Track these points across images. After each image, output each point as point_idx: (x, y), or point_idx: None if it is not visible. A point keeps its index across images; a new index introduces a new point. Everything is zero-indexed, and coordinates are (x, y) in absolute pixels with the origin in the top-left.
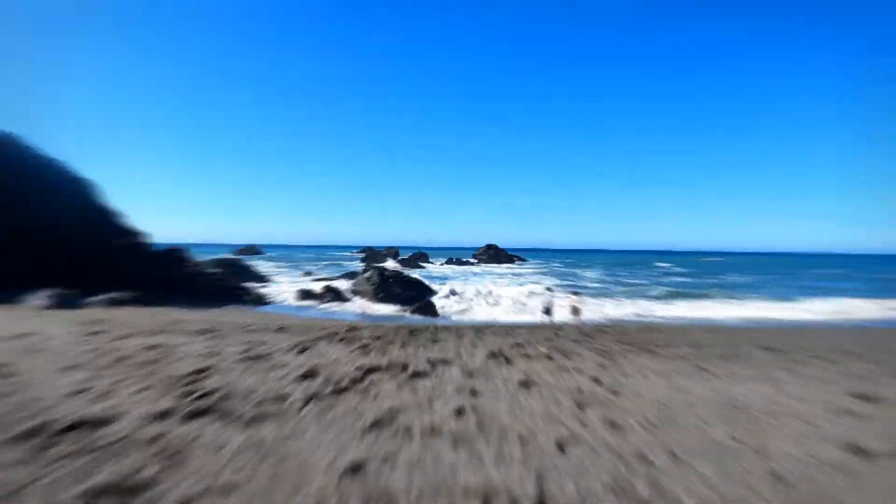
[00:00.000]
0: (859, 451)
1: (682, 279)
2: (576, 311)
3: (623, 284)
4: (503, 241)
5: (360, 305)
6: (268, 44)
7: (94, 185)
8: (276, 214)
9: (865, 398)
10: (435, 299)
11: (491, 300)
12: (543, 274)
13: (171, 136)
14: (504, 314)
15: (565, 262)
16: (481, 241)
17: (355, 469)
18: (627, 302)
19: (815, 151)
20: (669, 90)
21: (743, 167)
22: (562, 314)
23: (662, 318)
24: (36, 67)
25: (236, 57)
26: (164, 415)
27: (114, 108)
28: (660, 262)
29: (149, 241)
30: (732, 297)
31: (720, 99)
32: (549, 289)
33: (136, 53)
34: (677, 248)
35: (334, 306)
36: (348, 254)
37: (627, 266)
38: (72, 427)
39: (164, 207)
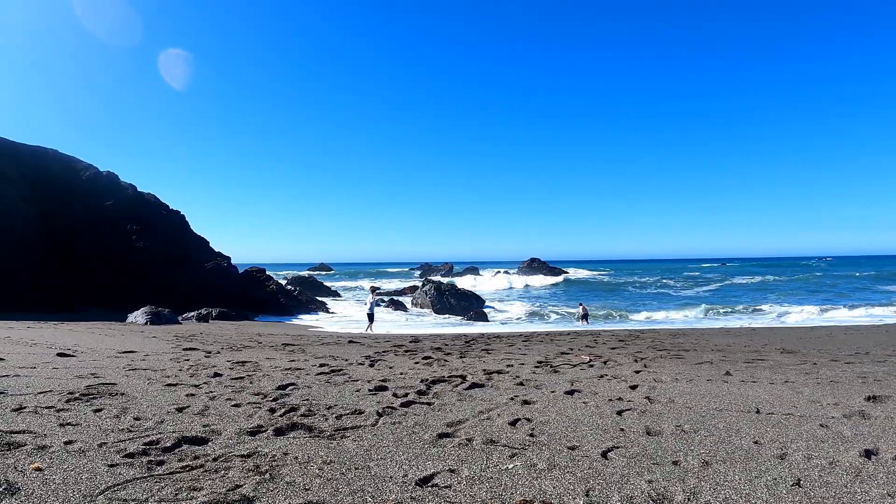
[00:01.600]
0: (870, 453)
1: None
2: (584, 316)
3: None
4: (549, 254)
5: (420, 316)
6: (320, 66)
7: (180, 216)
8: (343, 234)
9: (876, 399)
10: (485, 309)
11: (530, 307)
12: (577, 284)
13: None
14: (545, 321)
15: (605, 271)
16: (527, 255)
17: (426, 481)
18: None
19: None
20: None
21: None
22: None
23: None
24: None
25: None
26: (255, 431)
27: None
28: (691, 269)
29: (231, 262)
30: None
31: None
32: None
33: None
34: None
35: (398, 318)
36: (408, 269)
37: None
38: (176, 445)
39: (241, 231)
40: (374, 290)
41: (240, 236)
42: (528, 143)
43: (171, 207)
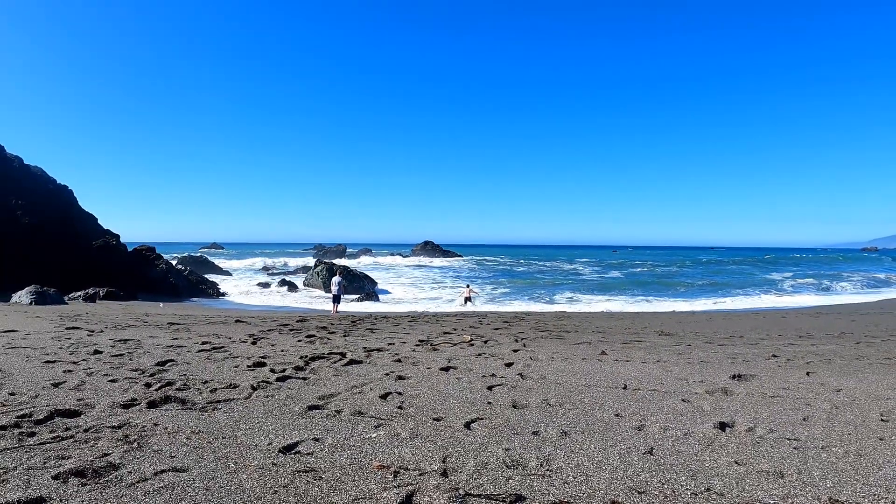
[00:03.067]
0: (725, 425)
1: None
2: (468, 299)
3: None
4: (443, 238)
5: (311, 297)
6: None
7: (69, 191)
8: (236, 214)
9: (741, 377)
10: (377, 290)
11: (421, 289)
12: (469, 268)
13: (131, 141)
14: (436, 303)
15: (498, 257)
16: (421, 238)
17: (289, 448)
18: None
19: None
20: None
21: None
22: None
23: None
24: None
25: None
26: (129, 404)
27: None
28: (581, 257)
29: (120, 241)
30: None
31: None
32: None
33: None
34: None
35: (288, 298)
36: (301, 250)
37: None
38: (49, 418)
39: (131, 209)
40: (340, 271)
41: (128, 213)
42: (424, 129)
43: (58, 182)
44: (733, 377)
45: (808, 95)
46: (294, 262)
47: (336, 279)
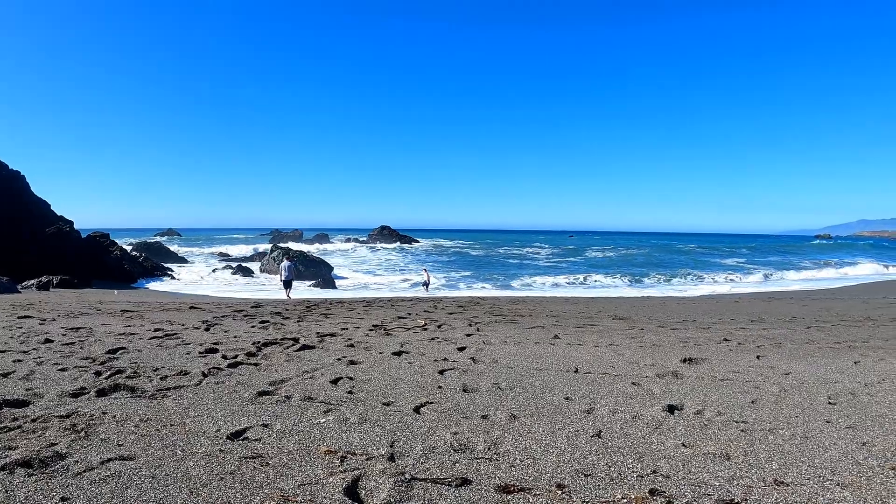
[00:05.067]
0: (673, 408)
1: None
2: (425, 283)
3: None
4: (400, 222)
5: (267, 283)
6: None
7: (20, 177)
8: (192, 200)
9: (691, 361)
10: (333, 275)
11: (377, 274)
12: (426, 253)
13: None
14: (392, 287)
15: (455, 241)
16: (378, 223)
17: (237, 435)
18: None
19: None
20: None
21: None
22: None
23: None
24: None
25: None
26: (78, 393)
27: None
28: (538, 242)
29: (74, 227)
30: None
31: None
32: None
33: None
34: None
35: (244, 284)
36: (258, 235)
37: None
38: None
39: (84, 195)
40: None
41: (81, 199)
42: (382, 116)
43: (10, 168)
44: (684, 361)
45: (769, 86)
46: (250, 248)
47: (285, 263)
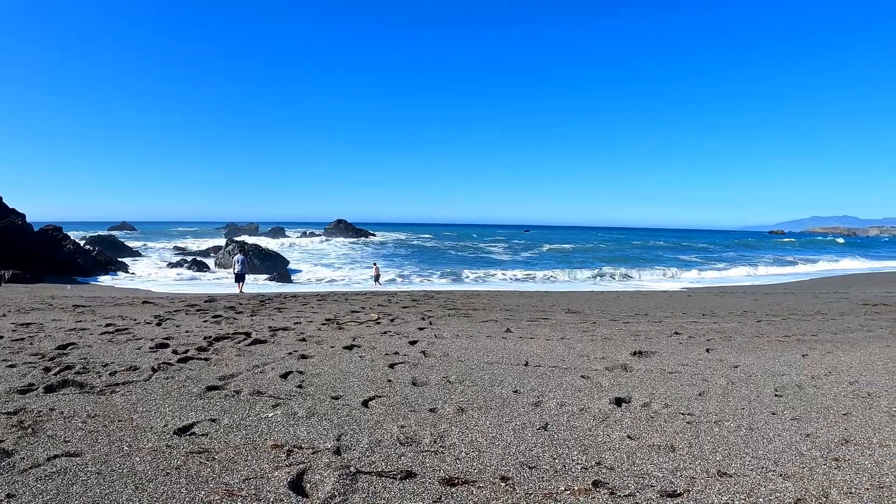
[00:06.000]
0: (621, 401)
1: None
2: (377, 277)
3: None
4: (356, 216)
5: (222, 277)
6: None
7: None
8: (146, 193)
9: (641, 354)
10: (289, 269)
11: (333, 268)
12: (382, 246)
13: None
14: (347, 282)
15: (410, 235)
16: (334, 216)
17: (185, 430)
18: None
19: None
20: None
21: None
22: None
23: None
24: None
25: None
26: (26, 390)
27: None
28: (493, 236)
29: (26, 220)
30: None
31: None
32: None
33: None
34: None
35: (199, 278)
36: (213, 230)
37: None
38: None
39: (35, 187)
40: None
41: (32, 191)
42: (338, 108)
43: None
44: (634, 354)
45: (721, 81)
46: (206, 242)
47: (238, 257)
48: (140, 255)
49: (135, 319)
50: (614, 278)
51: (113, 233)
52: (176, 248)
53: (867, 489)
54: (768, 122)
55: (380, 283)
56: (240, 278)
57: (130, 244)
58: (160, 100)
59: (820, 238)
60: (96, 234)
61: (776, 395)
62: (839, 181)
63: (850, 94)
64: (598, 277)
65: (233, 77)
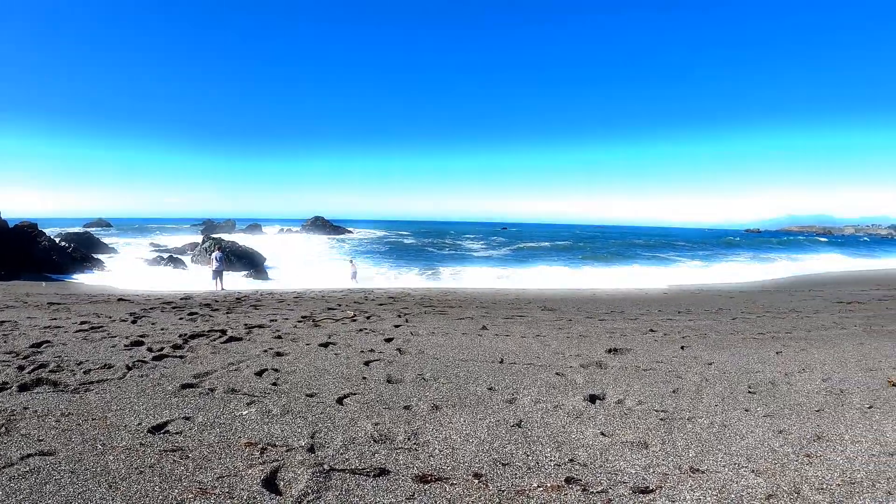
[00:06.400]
0: (595, 398)
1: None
2: (354, 274)
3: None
4: (333, 212)
5: (198, 274)
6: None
7: None
8: (124, 188)
9: (616, 351)
10: (266, 266)
11: (310, 265)
12: (359, 243)
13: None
14: (324, 279)
15: (388, 231)
16: (311, 213)
17: (159, 428)
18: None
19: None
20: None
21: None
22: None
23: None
24: None
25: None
26: None
27: None
28: (471, 233)
29: (0, 216)
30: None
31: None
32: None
33: None
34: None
35: (175, 276)
36: (190, 226)
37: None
38: None
39: (8, 181)
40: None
41: (5, 186)
42: (313, 105)
43: None
44: (609, 351)
45: (698, 78)
46: (182, 239)
47: (216, 254)
48: (116, 252)
49: (110, 317)
50: (592, 275)
51: (89, 230)
52: (152, 245)
53: (839, 485)
54: (746, 120)
55: (356, 281)
56: (218, 275)
57: (107, 241)
58: (140, 96)
59: (801, 237)
60: (72, 230)
61: (750, 392)
62: (816, 181)
63: (826, 95)
64: (576, 274)
65: (210, 74)
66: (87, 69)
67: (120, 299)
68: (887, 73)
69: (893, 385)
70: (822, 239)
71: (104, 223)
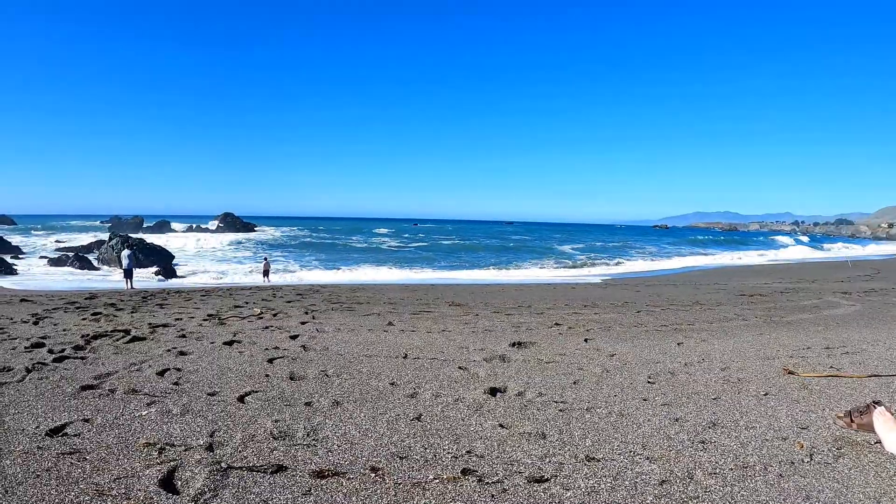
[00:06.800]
0: (496, 391)
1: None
2: (265, 272)
3: None
4: (242, 209)
5: (104, 273)
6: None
7: None
8: (26, 183)
9: (520, 345)
10: (175, 264)
11: (220, 263)
12: (269, 240)
13: None
14: (233, 277)
15: (298, 228)
16: (221, 209)
17: (57, 431)
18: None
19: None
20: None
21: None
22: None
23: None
24: None
25: None
26: None
27: None
28: (382, 229)
29: None
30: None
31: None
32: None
33: None
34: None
35: (81, 275)
36: (97, 223)
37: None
38: None
39: None
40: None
41: None
42: (220, 96)
43: None
44: (513, 345)
45: (612, 79)
46: (89, 237)
47: (126, 252)
48: (21, 250)
49: (11, 318)
50: (500, 270)
51: None
52: (58, 241)
53: (731, 469)
54: (653, 117)
55: (268, 280)
56: (128, 274)
57: (10, 239)
58: (36, 85)
59: (701, 237)
60: None
61: (649, 382)
62: (721, 178)
63: (733, 92)
64: (485, 270)
65: (115, 63)
66: None
67: (22, 300)
68: (791, 73)
69: (789, 373)
70: (721, 238)
71: (7, 220)
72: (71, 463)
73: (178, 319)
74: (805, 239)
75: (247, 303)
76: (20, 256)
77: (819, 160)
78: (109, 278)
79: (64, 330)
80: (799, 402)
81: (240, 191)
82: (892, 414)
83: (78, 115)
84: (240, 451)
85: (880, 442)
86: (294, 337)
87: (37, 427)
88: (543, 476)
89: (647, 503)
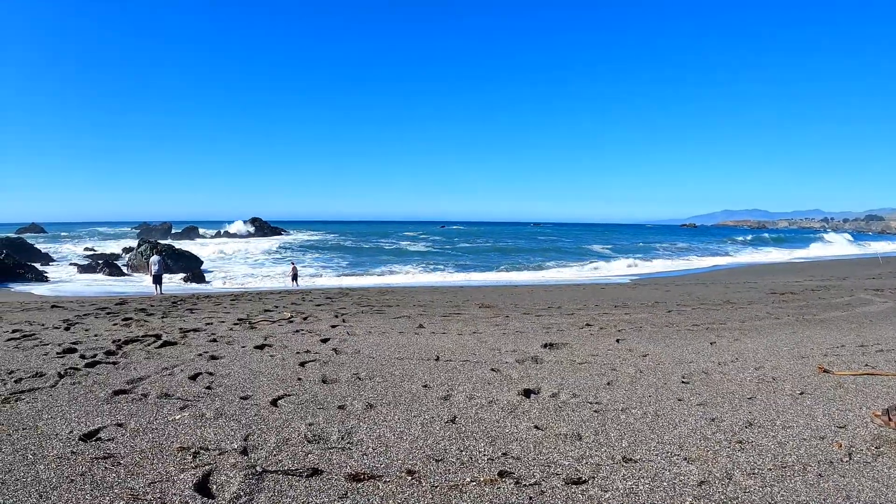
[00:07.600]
0: (530, 392)
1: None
2: (294, 276)
3: None
4: (271, 214)
5: (134, 278)
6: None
7: None
8: (57, 192)
9: (552, 346)
10: (203, 269)
11: (249, 267)
12: (297, 245)
13: None
14: (262, 281)
15: (327, 233)
16: (249, 214)
17: (90, 436)
18: None
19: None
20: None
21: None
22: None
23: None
24: None
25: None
26: None
27: None
28: (410, 232)
29: None
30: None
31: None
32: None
33: None
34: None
35: (111, 280)
36: (128, 229)
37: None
38: None
39: None
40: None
41: None
42: (248, 101)
43: None
44: (545, 346)
45: (636, 76)
46: (118, 243)
47: (155, 258)
48: (51, 258)
49: (43, 324)
50: (530, 271)
51: (22, 235)
52: (87, 249)
53: (770, 469)
54: (680, 116)
55: (297, 283)
56: (157, 279)
57: (40, 247)
58: (63, 95)
59: (746, 237)
60: (4, 236)
61: (683, 382)
62: (749, 175)
63: (761, 91)
64: (514, 271)
65: (139, 70)
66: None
67: (53, 306)
68: (817, 71)
69: (824, 371)
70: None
71: (38, 228)
72: (105, 467)
73: (208, 324)
74: (849, 237)
75: (276, 307)
76: (50, 263)
77: (847, 153)
78: (139, 284)
79: (95, 335)
80: (835, 401)
81: (266, 195)
82: None
83: (106, 125)
84: (274, 455)
85: None
86: (325, 340)
87: (70, 432)
88: (581, 478)
89: None
